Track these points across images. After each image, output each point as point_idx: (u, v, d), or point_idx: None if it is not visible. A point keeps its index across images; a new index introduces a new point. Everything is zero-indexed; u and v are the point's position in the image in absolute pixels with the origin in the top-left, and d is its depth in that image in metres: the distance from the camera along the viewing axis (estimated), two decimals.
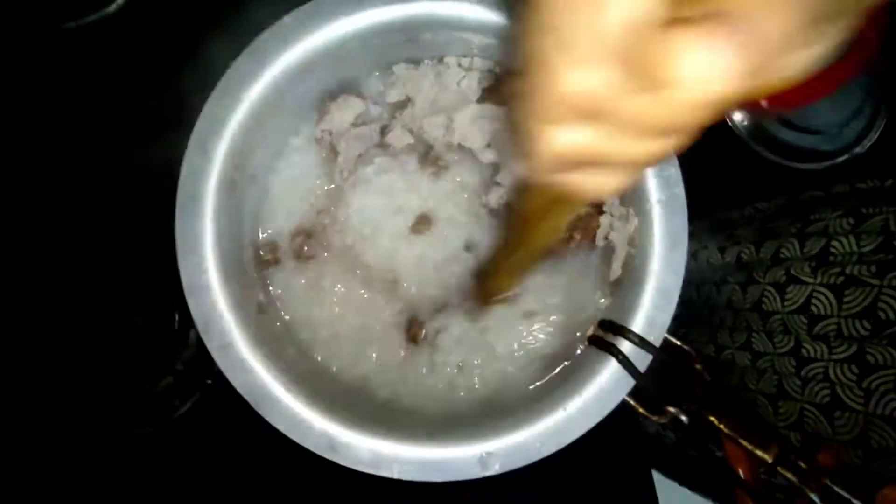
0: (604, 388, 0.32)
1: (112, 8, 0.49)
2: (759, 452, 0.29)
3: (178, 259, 0.31)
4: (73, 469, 0.46)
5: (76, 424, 0.46)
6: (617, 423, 0.52)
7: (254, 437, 0.46)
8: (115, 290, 0.47)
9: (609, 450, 0.54)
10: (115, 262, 0.47)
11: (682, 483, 0.63)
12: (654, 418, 0.31)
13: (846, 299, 0.40)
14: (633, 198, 0.35)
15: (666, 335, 0.33)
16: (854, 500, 0.27)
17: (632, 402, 0.32)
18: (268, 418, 0.30)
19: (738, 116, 0.61)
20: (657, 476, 0.61)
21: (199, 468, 0.47)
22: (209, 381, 0.47)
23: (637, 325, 0.33)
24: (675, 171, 0.35)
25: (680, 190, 0.34)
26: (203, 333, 0.31)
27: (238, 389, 0.31)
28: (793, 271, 0.43)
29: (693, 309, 0.55)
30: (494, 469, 0.31)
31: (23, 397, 0.45)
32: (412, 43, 0.35)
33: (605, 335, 0.34)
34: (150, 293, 0.47)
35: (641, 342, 0.32)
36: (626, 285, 0.35)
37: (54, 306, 0.46)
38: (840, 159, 0.60)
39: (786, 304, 0.43)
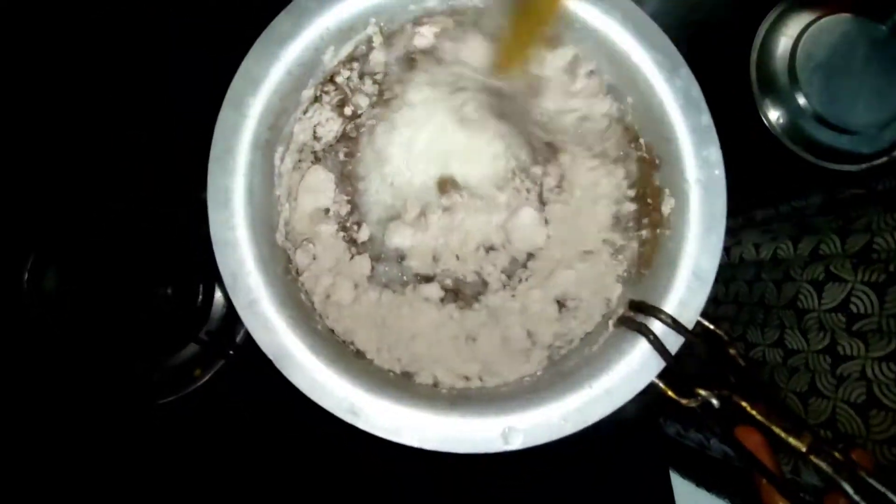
0: (632, 368, 0.32)
1: None
2: (792, 441, 0.28)
3: (208, 213, 0.31)
4: (99, 437, 0.46)
5: (103, 392, 0.46)
6: (637, 422, 0.51)
7: (273, 407, 0.46)
8: (147, 260, 0.48)
9: (627, 449, 0.53)
10: (147, 232, 0.48)
11: (700, 485, 0.62)
12: (684, 402, 0.30)
13: (888, 297, 0.39)
14: (670, 177, 0.35)
15: (699, 318, 0.32)
16: (890, 494, 0.26)
17: (661, 385, 0.31)
18: (290, 378, 0.30)
19: (774, 115, 0.60)
20: (675, 477, 0.60)
21: (217, 437, 0.47)
22: (231, 353, 0.47)
23: (669, 306, 0.32)
24: (715, 151, 0.34)
25: (720, 171, 0.34)
26: (230, 289, 0.30)
27: (262, 348, 0.30)
28: (832, 268, 0.42)
29: (721, 306, 0.54)
30: (517, 444, 0.30)
31: (52, 365, 0.46)
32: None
33: (636, 315, 0.33)
34: (177, 264, 0.48)
35: (674, 323, 0.31)
36: (659, 266, 0.34)
37: (87, 276, 0.47)
38: (878, 161, 0.58)
39: (823, 302, 0.42)
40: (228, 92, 0.31)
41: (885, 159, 0.58)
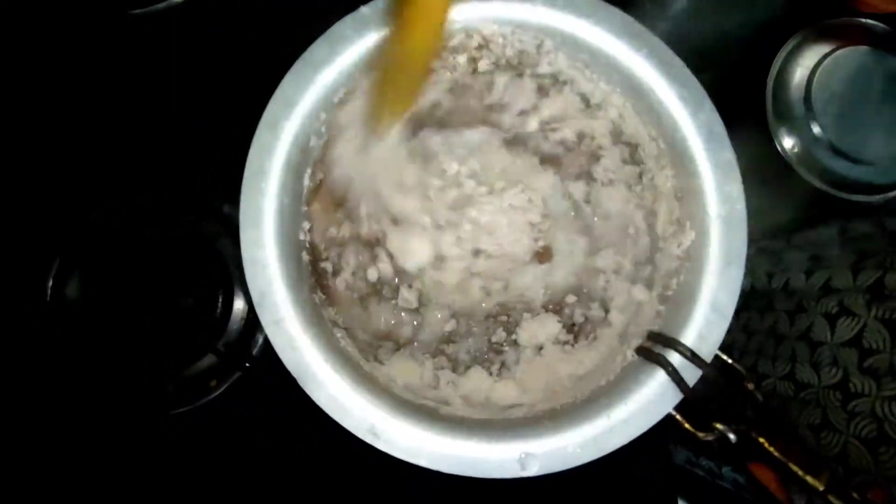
0: (650, 399, 0.32)
1: None
2: (809, 479, 0.28)
3: (240, 232, 0.31)
4: (114, 445, 0.47)
5: (120, 401, 0.47)
6: (647, 454, 0.51)
7: (287, 421, 0.46)
8: (169, 270, 0.48)
9: (635, 477, 0.52)
10: (169, 242, 0.49)
11: None
12: (701, 435, 0.30)
13: None
14: (691, 210, 0.35)
15: (717, 352, 0.33)
16: None
17: (678, 417, 0.31)
18: (312, 396, 0.31)
19: (789, 143, 0.60)
20: None
21: (230, 450, 0.48)
22: (247, 365, 0.47)
23: (688, 339, 0.33)
24: (737, 187, 0.34)
25: (741, 206, 0.34)
26: (257, 307, 0.31)
27: (286, 365, 0.31)
28: (845, 303, 0.42)
29: (730, 333, 0.54)
30: (533, 470, 0.31)
31: (70, 371, 0.46)
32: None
33: (654, 347, 0.33)
34: (198, 274, 0.48)
35: (692, 356, 0.32)
36: (679, 299, 0.35)
37: (110, 284, 0.47)
38: (894, 193, 0.58)
39: (836, 335, 0.42)
40: (265, 114, 0.32)
41: None
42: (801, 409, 0.43)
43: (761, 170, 0.62)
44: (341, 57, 0.33)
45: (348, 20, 0.33)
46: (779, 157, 0.60)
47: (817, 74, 0.58)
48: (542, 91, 0.38)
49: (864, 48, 0.57)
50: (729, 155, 0.34)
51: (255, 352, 0.48)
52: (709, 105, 0.35)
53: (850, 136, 0.58)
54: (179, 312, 0.47)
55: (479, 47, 0.36)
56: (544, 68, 0.37)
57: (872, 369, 0.39)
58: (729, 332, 0.54)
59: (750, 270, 0.55)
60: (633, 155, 0.39)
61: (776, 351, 0.47)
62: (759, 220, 0.60)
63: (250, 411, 0.47)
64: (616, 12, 0.35)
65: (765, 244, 0.58)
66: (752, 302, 0.53)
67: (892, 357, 0.39)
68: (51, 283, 0.46)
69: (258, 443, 0.47)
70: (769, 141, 0.59)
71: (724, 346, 0.52)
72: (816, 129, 0.59)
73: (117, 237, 0.48)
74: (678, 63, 0.35)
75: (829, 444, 0.40)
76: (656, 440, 0.53)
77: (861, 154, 0.58)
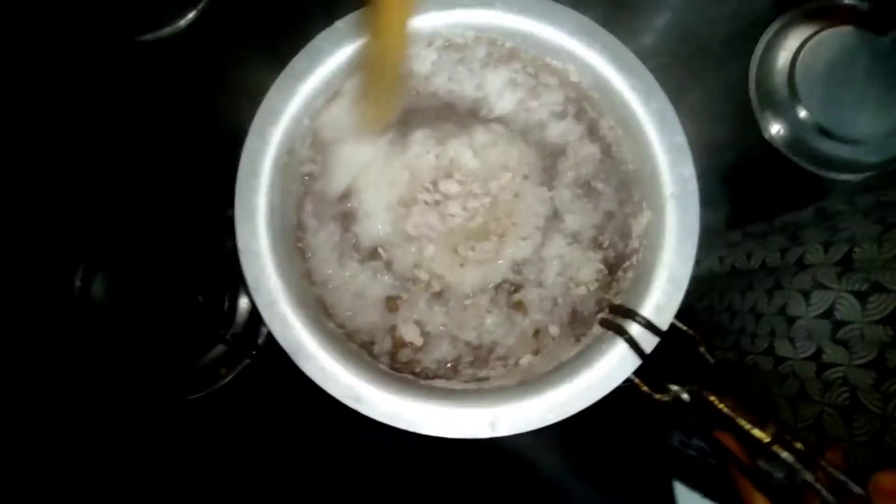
0: (611, 365, 0.35)
1: (183, 23, 0.54)
2: (756, 431, 0.30)
3: (235, 226, 0.35)
4: (135, 430, 0.51)
5: (140, 390, 0.51)
6: (640, 436, 0.53)
7: (289, 401, 0.50)
8: (181, 270, 0.53)
9: (631, 462, 0.55)
10: (181, 245, 0.53)
11: (705, 495, 0.63)
12: (657, 396, 0.33)
13: (869, 305, 0.40)
14: (647, 192, 0.38)
15: (673, 320, 0.35)
16: (850, 483, 0.28)
17: (636, 380, 0.34)
18: (303, 368, 0.34)
19: (775, 128, 0.61)
20: (679, 487, 0.61)
21: (240, 430, 0.52)
22: (253, 353, 0.52)
23: (646, 309, 0.35)
24: (689, 169, 0.37)
25: (693, 186, 0.37)
26: (252, 291, 0.35)
27: (280, 342, 0.35)
28: (818, 277, 0.44)
29: (715, 315, 0.55)
30: (502, 431, 0.33)
31: (96, 363, 0.51)
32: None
33: (615, 318, 0.36)
34: (207, 274, 0.53)
35: (648, 325, 0.34)
36: (637, 273, 0.37)
37: (130, 284, 0.52)
38: (883, 171, 0.59)
39: (810, 309, 0.43)
40: (254, 121, 0.36)
41: (893, 167, 0.59)
42: (781, 383, 0.45)
43: (749, 154, 0.63)
44: (320, 68, 0.37)
45: (325, 35, 0.37)
46: (765, 143, 0.61)
47: (800, 57, 0.59)
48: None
49: (847, 28, 0.58)
50: (680, 139, 0.37)
51: (260, 341, 0.52)
52: (660, 94, 0.37)
53: (837, 116, 0.59)
54: (192, 309, 0.52)
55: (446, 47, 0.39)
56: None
57: (844, 340, 0.41)
58: (714, 312, 0.56)
59: (732, 251, 0.56)
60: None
61: (756, 328, 0.49)
62: (747, 205, 0.61)
63: (257, 394, 0.51)
64: (570, 12, 0.38)
65: (750, 228, 0.59)
66: (735, 282, 0.54)
67: (863, 327, 0.40)
68: (77, 284, 0.51)
69: (265, 422, 0.51)
70: (755, 127, 0.61)
71: (710, 327, 0.54)
72: (802, 112, 0.60)
73: (136, 243, 0.53)
74: (630, 56, 0.38)
75: (806, 414, 0.42)
76: (654, 426, 0.56)
77: (849, 134, 0.58)
